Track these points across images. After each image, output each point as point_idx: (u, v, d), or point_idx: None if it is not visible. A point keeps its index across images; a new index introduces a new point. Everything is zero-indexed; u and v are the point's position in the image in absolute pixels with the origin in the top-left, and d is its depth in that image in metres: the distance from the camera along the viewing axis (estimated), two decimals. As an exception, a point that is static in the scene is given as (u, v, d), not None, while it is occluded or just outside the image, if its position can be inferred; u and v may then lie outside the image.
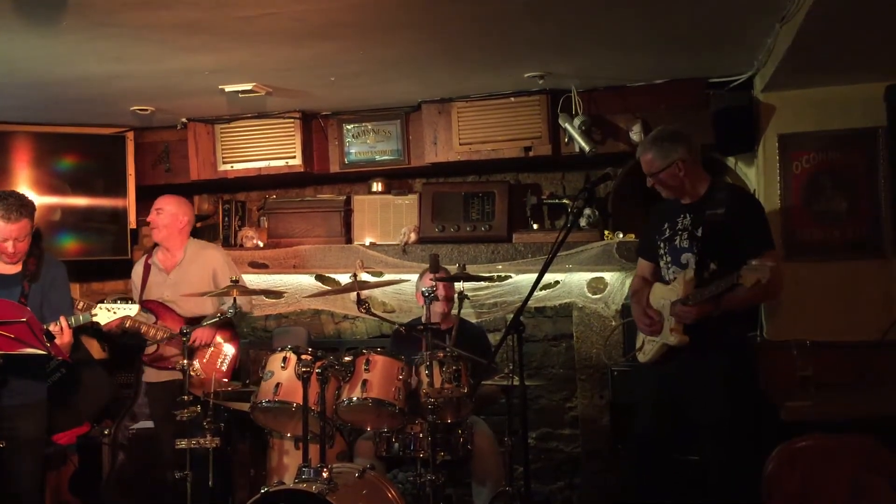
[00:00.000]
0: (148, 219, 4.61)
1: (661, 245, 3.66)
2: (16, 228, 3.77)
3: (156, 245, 4.69)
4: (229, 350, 4.50)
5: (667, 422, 3.59)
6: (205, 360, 4.40)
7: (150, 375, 4.54)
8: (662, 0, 3.38)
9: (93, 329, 4.54)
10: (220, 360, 4.45)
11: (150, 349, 4.44)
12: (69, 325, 3.80)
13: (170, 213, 4.55)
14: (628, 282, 4.55)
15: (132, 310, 3.98)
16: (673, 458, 3.69)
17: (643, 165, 3.62)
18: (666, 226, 3.64)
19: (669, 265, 3.61)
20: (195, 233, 5.37)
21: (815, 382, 3.97)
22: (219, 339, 4.47)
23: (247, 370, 4.88)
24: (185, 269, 4.54)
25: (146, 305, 4.43)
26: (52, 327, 3.76)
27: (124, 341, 4.55)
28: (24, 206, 3.81)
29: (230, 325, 4.52)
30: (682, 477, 3.67)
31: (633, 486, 3.74)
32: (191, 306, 4.44)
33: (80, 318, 3.87)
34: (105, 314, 3.90)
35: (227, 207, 5.48)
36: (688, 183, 3.57)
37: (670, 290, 3.55)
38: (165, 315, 4.43)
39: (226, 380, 4.31)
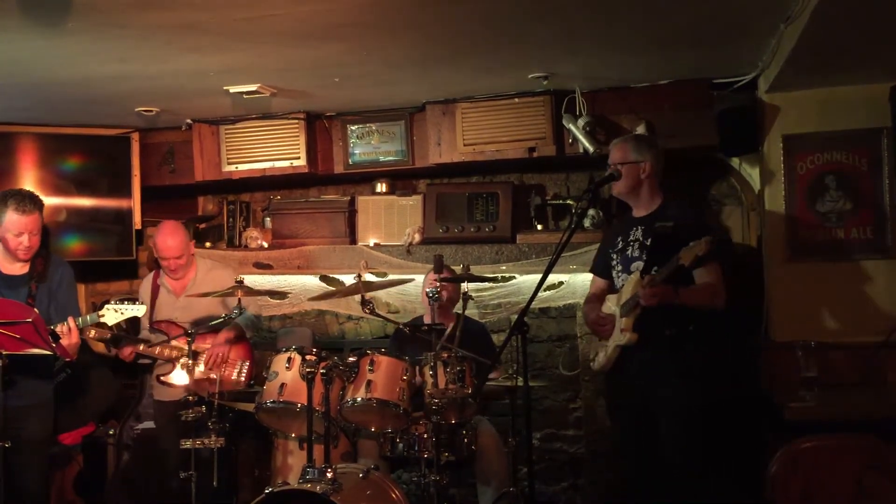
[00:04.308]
0: (172, 263, 4.38)
1: (614, 257, 3.77)
2: (31, 221, 3.82)
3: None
4: (245, 363, 4.43)
5: (641, 423, 3.62)
6: (222, 375, 4.29)
7: (163, 394, 4.45)
8: (666, 1, 3.38)
9: (110, 359, 4.55)
10: (236, 372, 4.40)
11: (167, 368, 4.39)
12: (77, 326, 3.81)
13: (183, 244, 4.40)
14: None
15: (140, 310, 3.97)
16: (658, 458, 3.70)
17: (614, 152, 3.74)
18: (619, 239, 3.76)
19: (620, 274, 3.72)
20: (198, 235, 5.39)
21: (819, 383, 3.97)
22: (233, 354, 4.39)
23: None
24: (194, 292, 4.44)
25: (157, 326, 4.41)
26: (59, 328, 3.76)
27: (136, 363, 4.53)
28: (34, 200, 3.88)
29: (243, 337, 4.46)
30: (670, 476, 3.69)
31: (631, 489, 3.77)
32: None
33: (88, 318, 3.87)
34: (112, 314, 3.89)
35: (231, 208, 5.49)
36: (644, 190, 3.69)
37: (619, 297, 3.64)
38: (177, 335, 4.37)
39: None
